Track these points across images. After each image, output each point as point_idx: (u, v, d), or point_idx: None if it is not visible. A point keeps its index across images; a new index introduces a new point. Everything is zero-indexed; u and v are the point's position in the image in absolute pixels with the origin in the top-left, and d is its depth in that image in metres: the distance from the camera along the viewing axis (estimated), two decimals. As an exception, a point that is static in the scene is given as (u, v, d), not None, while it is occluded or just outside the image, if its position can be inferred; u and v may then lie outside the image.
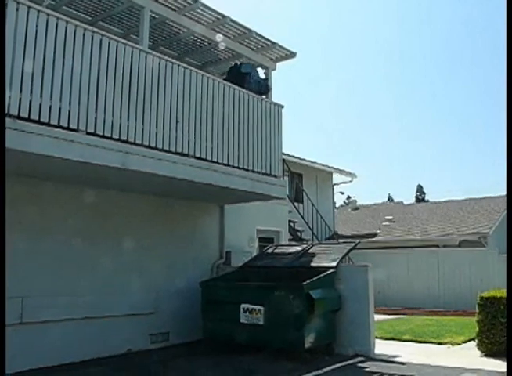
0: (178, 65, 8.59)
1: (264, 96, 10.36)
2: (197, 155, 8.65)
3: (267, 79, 10.69)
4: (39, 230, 8.17)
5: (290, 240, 14.73)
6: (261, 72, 10.79)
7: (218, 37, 9.81)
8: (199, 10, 9.02)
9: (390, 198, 61.56)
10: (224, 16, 9.32)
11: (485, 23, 77.05)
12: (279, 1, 67.61)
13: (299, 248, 10.79)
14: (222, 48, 10.39)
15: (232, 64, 10.67)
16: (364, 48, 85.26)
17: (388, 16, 75.67)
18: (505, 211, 20.70)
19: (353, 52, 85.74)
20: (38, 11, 6.58)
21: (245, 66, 10.24)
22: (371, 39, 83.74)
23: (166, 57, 8.53)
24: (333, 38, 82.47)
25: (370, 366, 8.19)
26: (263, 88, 10.35)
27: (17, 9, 6.31)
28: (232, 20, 9.44)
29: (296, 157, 18.68)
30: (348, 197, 50.16)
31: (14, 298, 7.33)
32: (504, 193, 21.31)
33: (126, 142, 7.56)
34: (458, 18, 76.20)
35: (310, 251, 10.36)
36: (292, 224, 16.09)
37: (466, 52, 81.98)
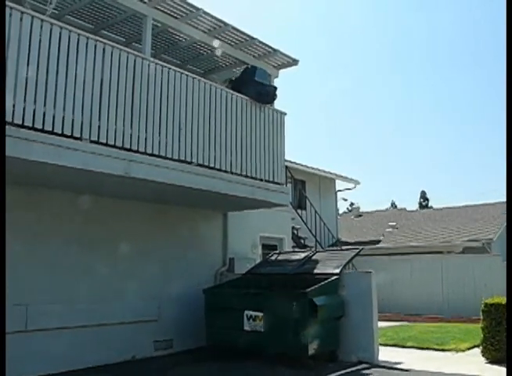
0: (181, 73, 8.64)
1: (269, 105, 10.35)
2: (200, 163, 8.68)
3: (276, 88, 10.62)
4: (38, 237, 8.18)
5: (293, 247, 14.73)
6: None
7: (220, 44, 9.86)
8: (200, 18, 9.07)
9: (393, 205, 61.35)
10: (226, 24, 9.37)
11: (486, 23, 76.95)
12: (275, 5, 67.83)
13: (302, 255, 10.78)
14: (224, 55, 10.44)
15: (249, 66, 10.49)
16: (366, 50, 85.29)
17: (384, 14, 75.69)
18: (509, 217, 20.67)
19: (353, 55, 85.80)
20: (42, 20, 6.64)
21: (260, 74, 10.14)
22: (372, 41, 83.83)
23: (168, 65, 8.58)
24: (333, 43, 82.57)
25: (374, 373, 8.17)
26: (270, 97, 10.30)
27: (21, 19, 6.36)
28: (233, 27, 9.49)
29: (299, 164, 18.68)
30: (351, 204, 50.16)
31: (16, 306, 7.34)
32: (508, 199, 21.31)
33: (129, 150, 7.60)
34: (457, 16, 76.10)
35: (313, 257, 10.36)
36: (295, 231, 16.10)
37: (470, 51, 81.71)
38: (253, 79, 10.02)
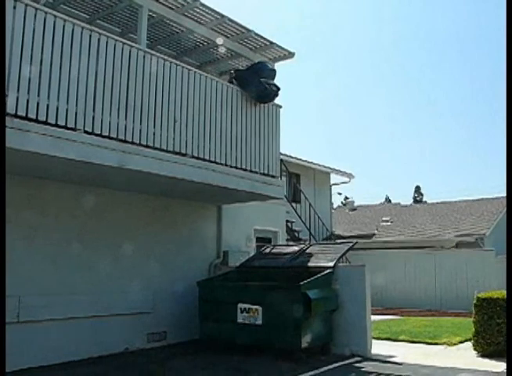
0: (177, 64, 8.58)
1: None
2: (195, 155, 8.64)
3: (279, 89, 10.26)
4: (37, 229, 8.16)
5: (287, 240, 14.73)
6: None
7: (217, 36, 9.81)
8: (197, 9, 9.02)
9: (387, 199, 61.48)
10: (222, 16, 9.32)
11: (488, 20, 76.87)
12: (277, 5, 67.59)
13: (296, 248, 10.79)
14: (221, 47, 10.38)
15: (256, 63, 10.25)
16: (361, 47, 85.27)
17: (382, 15, 75.67)
18: (502, 213, 20.77)
19: (350, 52, 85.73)
20: (36, 9, 6.57)
21: (265, 72, 9.93)
22: (368, 38, 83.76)
23: (164, 56, 8.52)
24: (331, 38, 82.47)
25: (367, 366, 8.18)
26: (271, 97, 10.13)
27: (14, 7, 6.30)
28: (230, 20, 9.44)
29: (294, 158, 18.67)
30: (346, 198, 50.12)
31: (12, 297, 7.31)
32: (501, 194, 21.43)
33: (124, 141, 7.55)
34: (453, 15, 76.03)
35: (307, 251, 10.36)
36: (289, 224, 16.10)
37: (464, 50, 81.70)
38: (257, 79, 9.81)
